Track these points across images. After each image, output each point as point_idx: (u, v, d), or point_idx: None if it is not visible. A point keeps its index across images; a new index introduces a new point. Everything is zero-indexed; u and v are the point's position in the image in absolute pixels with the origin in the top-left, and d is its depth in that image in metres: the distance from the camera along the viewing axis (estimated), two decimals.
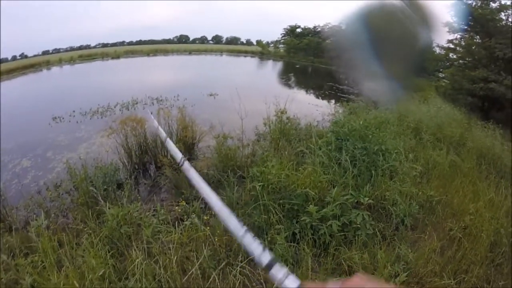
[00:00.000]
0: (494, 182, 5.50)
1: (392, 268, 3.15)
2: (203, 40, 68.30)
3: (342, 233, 3.47)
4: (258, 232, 3.62)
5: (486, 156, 6.65)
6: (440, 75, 16.62)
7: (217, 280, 2.89)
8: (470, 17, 12.69)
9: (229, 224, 0.67)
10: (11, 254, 3.38)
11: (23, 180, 6.43)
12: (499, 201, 4.72)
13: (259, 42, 54.32)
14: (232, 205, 4.20)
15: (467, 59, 14.04)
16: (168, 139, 0.83)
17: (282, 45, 48.73)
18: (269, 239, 3.44)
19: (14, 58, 44.39)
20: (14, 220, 4.59)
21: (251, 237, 0.63)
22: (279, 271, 0.57)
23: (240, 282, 2.94)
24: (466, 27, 13.65)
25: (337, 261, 3.27)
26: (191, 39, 67.99)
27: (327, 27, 37.36)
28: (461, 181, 5.16)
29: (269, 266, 0.60)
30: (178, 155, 0.79)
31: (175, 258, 3.00)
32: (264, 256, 0.61)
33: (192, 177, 0.76)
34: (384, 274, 3.00)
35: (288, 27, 46.29)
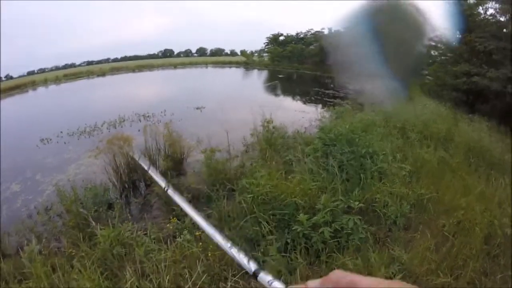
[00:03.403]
0: (484, 174, 5.57)
1: (387, 270, 3.16)
2: (187, 53, 68.15)
3: (335, 240, 3.48)
4: (251, 244, 3.62)
5: (474, 149, 6.72)
6: (424, 72, 16.85)
7: None
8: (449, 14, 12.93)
9: (216, 239, 0.72)
10: (4, 281, 3.36)
11: (14, 205, 6.33)
12: (491, 193, 4.78)
13: (243, 52, 54.34)
14: (222, 219, 4.20)
15: (448, 54, 14.28)
16: (151, 167, 0.86)
17: (266, 54, 48.81)
18: (262, 250, 3.44)
19: None
20: (6, 246, 4.54)
21: (236, 250, 0.67)
22: (265, 278, 0.60)
23: None
24: (446, 24, 13.91)
25: (331, 267, 3.27)
26: (175, 53, 67.84)
27: (310, 33, 37.68)
28: (451, 176, 5.21)
29: (256, 273, 0.63)
30: (162, 182, 0.82)
31: (168, 276, 2.98)
32: (250, 265, 0.65)
33: (178, 201, 0.80)
34: (379, 276, 2.99)
35: (271, 35, 46.49)
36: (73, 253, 3.71)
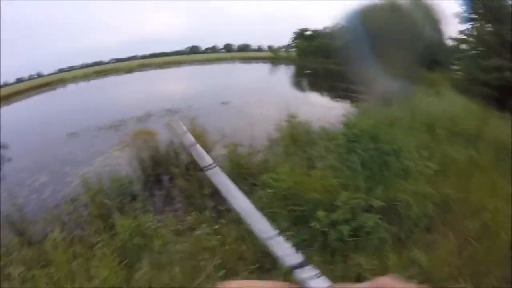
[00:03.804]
0: None
1: (405, 273, 3.06)
2: (214, 49, 68.88)
3: (354, 238, 3.40)
4: None
5: (505, 149, 6.39)
6: (454, 67, 16.22)
7: None
8: (480, 6, 12.40)
9: (258, 227, 0.66)
10: (28, 266, 3.46)
11: (42, 195, 6.62)
12: None
13: (270, 48, 54.37)
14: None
15: (479, 48, 13.68)
16: (197, 145, 0.82)
17: (293, 49, 48.51)
18: None
19: (30, 77, 45.79)
20: (32, 233, 4.78)
21: (283, 239, 0.62)
22: (309, 271, 0.56)
23: None
24: (476, 16, 13.34)
25: (346, 267, 3.20)
26: (203, 49, 68.69)
27: (335, 27, 36.99)
28: (479, 176, 4.97)
29: (299, 266, 0.59)
30: (207, 159, 0.78)
31: (183, 268, 3.02)
32: (296, 257, 0.60)
33: (220, 182, 0.75)
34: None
35: (298, 30, 46.13)
36: (94, 242, 3.83)
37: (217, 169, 0.74)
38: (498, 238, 3.49)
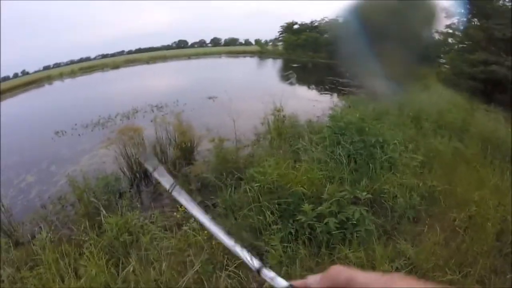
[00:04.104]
0: (500, 167, 5.32)
1: (391, 265, 3.10)
2: (201, 43, 68.36)
3: (340, 231, 3.43)
4: (255, 233, 3.62)
5: (490, 141, 6.49)
6: (441, 61, 16.40)
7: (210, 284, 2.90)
8: (466, 0, 12.52)
9: (220, 237, 0.73)
10: (17, 267, 3.45)
11: (28, 196, 6.53)
12: (505, 187, 4.57)
13: (257, 42, 54.14)
14: (228, 208, 4.21)
15: (465, 42, 13.85)
16: (159, 168, 0.84)
17: (280, 43, 48.40)
18: (266, 240, 3.43)
19: (15, 75, 44.94)
20: (20, 234, 4.71)
21: (239, 247, 0.69)
22: (268, 274, 0.61)
23: (233, 283, 2.98)
24: (462, 10, 13.48)
25: (333, 259, 3.23)
26: (189, 43, 68.16)
27: (324, 21, 37.00)
28: (465, 168, 5.05)
29: (259, 270, 0.64)
30: (168, 182, 0.81)
31: (171, 263, 3.02)
32: (254, 262, 0.67)
33: (183, 202, 0.80)
34: (383, 270, 2.93)
35: (285, 24, 45.99)
36: (82, 241, 3.80)
37: (176, 192, 0.78)
38: (484, 229, 3.54)
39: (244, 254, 0.69)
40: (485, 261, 3.17)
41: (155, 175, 0.86)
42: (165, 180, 0.82)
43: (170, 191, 0.79)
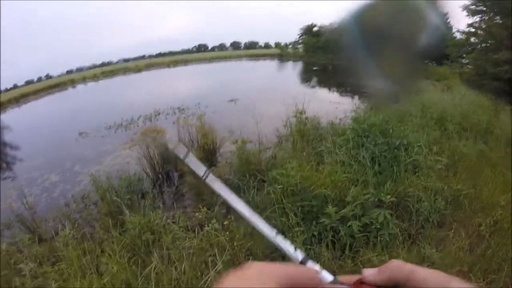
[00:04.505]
0: None
1: None
2: (221, 47, 69.12)
3: (363, 234, 3.38)
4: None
5: None
6: (463, 61, 15.91)
7: None
8: None
9: (260, 228, 0.69)
10: (39, 263, 3.54)
11: (52, 194, 6.73)
12: None
13: (277, 45, 54.23)
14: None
15: (489, 42, 13.36)
16: (189, 155, 0.82)
17: (300, 45, 48.21)
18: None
19: (39, 79, 46.45)
20: (43, 231, 4.86)
21: (282, 238, 0.65)
22: (313, 267, 0.59)
23: None
24: (484, 9, 13.07)
25: (356, 263, 3.19)
26: (210, 47, 68.98)
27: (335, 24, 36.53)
28: (490, 171, 4.89)
29: (303, 262, 0.62)
30: (201, 168, 0.79)
31: (192, 263, 3.04)
32: (297, 254, 0.64)
33: (219, 188, 0.77)
34: None
35: (305, 26, 45.86)
36: (104, 239, 3.88)
37: (210, 179, 0.76)
38: (510, 234, 3.43)
39: (286, 245, 0.66)
40: (510, 268, 3.06)
41: (187, 162, 0.83)
42: (198, 167, 0.79)
43: (204, 178, 0.77)
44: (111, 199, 5.03)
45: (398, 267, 0.46)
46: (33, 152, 10.50)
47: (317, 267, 0.59)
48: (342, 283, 0.53)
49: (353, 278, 0.54)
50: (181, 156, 0.82)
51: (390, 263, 0.48)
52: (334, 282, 0.55)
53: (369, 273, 0.50)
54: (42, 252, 3.80)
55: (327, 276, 0.57)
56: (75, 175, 7.70)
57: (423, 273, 0.43)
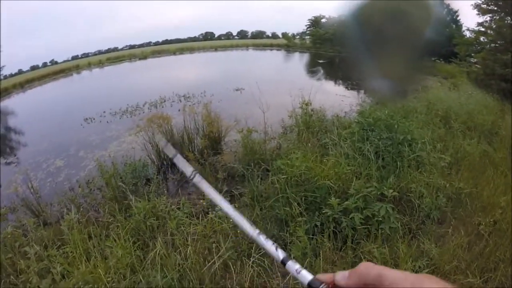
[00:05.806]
0: None
1: (414, 264, 3.08)
2: (228, 36, 68.50)
3: (365, 226, 3.43)
4: (280, 224, 3.66)
5: None
6: (472, 60, 15.75)
7: (235, 270, 2.97)
8: None
9: (243, 226, 0.73)
10: (44, 246, 3.59)
11: (57, 179, 6.78)
12: None
13: (284, 35, 53.67)
14: (255, 198, 4.26)
15: (498, 42, 13.22)
16: (178, 156, 0.86)
17: (307, 37, 47.71)
18: (291, 231, 3.46)
19: (44, 64, 46.34)
20: (48, 215, 4.93)
21: (264, 237, 0.69)
22: (293, 266, 0.61)
23: (256, 272, 3.02)
24: (495, 8, 12.90)
25: (356, 254, 3.24)
26: (216, 36, 68.49)
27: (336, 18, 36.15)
28: (492, 172, 4.91)
29: (284, 262, 0.64)
30: (188, 169, 0.83)
31: (196, 249, 3.09)
32: (278, 253, 0.67)
33: (205, 188, 0.81)
34: (406, 269, 2.93)
35: (313, 17, 45.40)
36: (108, 223, 3.95)
37: (197, 179, 0.79)
38: (508, 235, 3.48)
39: (268, 244, 0.67)
40: (506, 268, 3.10)
41: (175, 162, 0.87)
42: (185, 168, 0.83)
43: (191, 178, 0.81)
44: (116, 184, 5.07)
45: (367, 269, 0.49)
46: (38, 137, 10.56)
47: (297, 266, 0.63)
48: (321, 282, 0.55)
49: (331, 276, 0.57)
50: (170, 156, 0.86)
51: (360, 266, 0.50)
52: (313, 281, 0.59)
53: (339, 277, 0.53)
54: (47, 235, 3.85)
55: (307, 275, 0.61)
56: (80, 160, 7.76)
57: (391, 275, 0.46)
